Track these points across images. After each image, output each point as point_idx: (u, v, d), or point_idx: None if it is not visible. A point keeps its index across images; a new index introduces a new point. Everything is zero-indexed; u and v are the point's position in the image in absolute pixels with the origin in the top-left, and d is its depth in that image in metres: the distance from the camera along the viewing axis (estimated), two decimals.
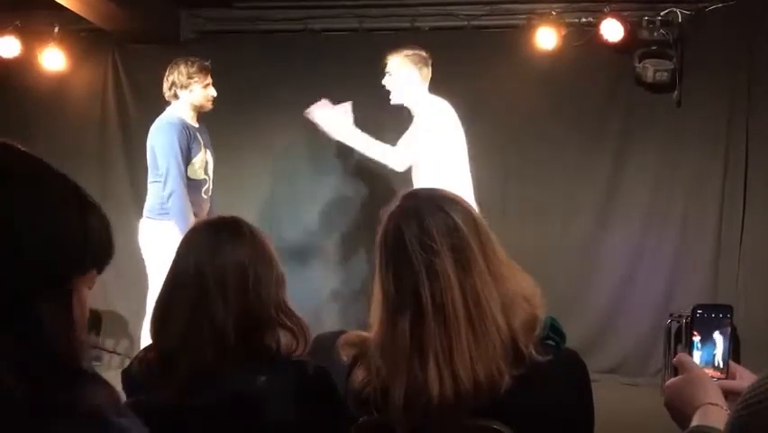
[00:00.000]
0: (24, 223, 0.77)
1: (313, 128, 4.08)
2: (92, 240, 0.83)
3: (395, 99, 3.91)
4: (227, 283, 1.44)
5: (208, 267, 1.45)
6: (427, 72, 3.89)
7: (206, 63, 3.93)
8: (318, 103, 3.96)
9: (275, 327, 1.49)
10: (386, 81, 3.90)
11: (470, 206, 1.42)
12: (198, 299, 1.44)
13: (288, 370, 1.47)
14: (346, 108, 3.91)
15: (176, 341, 1.42)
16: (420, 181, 3.88)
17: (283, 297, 1.55)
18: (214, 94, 3.96)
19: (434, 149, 3.80)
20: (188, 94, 3.89)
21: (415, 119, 3.89)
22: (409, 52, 3.86)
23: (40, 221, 0.79)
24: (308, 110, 3.95)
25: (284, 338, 1.49)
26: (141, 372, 1.46)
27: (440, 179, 3.72)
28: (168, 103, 3.95)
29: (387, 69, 3.88)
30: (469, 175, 3.89)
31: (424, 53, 3.90)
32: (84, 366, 0.79)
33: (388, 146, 3.89)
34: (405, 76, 3.84)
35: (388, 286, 1.35)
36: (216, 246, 1.48)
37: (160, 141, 3.82)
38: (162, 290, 1.51)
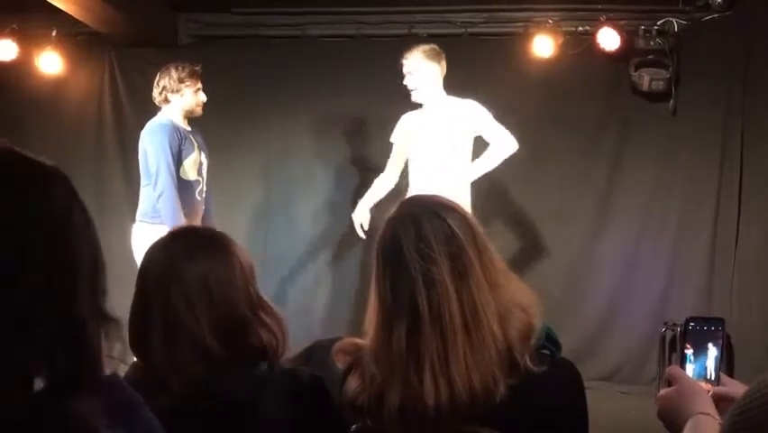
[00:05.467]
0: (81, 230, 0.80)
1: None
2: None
3: (418, 97, 3.89)
4: (193, 299, 1.42)
5: (172, 287, 1.43)
6: (444, 65, 3.91)
7: (197, 68, 3.94)
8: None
9: (254, 325, 1.47)
10: (408, 81, 3.88)
11: (468, 213, 1.42)
12: (170, 317, 1.41)
13: (283, 378, 1.47)
14: None
15: (161, 362, 1.40)
16: (418, 173, 3.90)
17: (255, 290, 1.51)
18: (205, 99, 3.97)
19: (438, 142, 3.84)
20: (179, 98, 3.90)
21: (431, 113, 3.91)
22: (426, 48, 3.89)
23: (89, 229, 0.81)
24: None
25: (264, 335, 1.47)
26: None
27: (438, 173, 3.75)
28: (160, 108, 3.97)
29: (407, 69, 3.87)
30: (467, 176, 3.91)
31: (437, 47, 3.92)
32: (103, 372, 0.79)
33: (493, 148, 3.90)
34: (427, 72, 3.85)
35: (384, 293, 1.34)
36: (173, 264, 1.46)
37: (151, 143, 3.84)
38: (133, 310, 1.47)
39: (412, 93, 3.89)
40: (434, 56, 3.87)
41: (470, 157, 3.93)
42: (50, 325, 0.73)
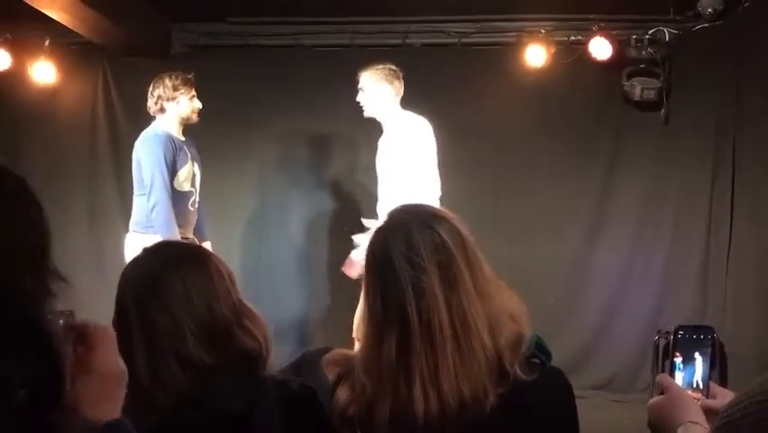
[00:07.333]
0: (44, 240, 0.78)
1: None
2: None
3: (368, 113, 3.98)
4: (173, 310, 1.41)
5: (151, 301, 1.42)
6: (399, 85, 3.95)
7: (189, 76, 3.96)
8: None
9: (237, 331, 1.46)
10: (360, 97, 3.96)
11: (458, 222, 1.42)
12: (151, 330, 1.40)
13: (275, 389, 1.46)
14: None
15: (146, 377, 1.39)
16: (385, 196, 3.90)
17: (236, 296, 1.49)
18: (200, 106, 3.98)
19: (403, 163, 3.84)
20: (175, 106, 3.91)
21: (385, 133, 3.96)
22: (380, 67, 3.95)
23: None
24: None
25: (248, 341, 1.47)
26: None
27: (405, 193, 3.74)
28: (154, 118, 3.97)
29: (360, 86, 3.96)
30: (437, 192, 3.90)
31: (394, 67, 3.97)
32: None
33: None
34: (377, 90, 3.91)
35: (374, 302, 1.34)
36: (150, 279, 1.45)
37: (146, 153, 3.84)
38: (114, 327, 1.45)
39: (363, 109, 3.96)
40: (386, 75, 3.91)
41: (433, 170, 3.89)
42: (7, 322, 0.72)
